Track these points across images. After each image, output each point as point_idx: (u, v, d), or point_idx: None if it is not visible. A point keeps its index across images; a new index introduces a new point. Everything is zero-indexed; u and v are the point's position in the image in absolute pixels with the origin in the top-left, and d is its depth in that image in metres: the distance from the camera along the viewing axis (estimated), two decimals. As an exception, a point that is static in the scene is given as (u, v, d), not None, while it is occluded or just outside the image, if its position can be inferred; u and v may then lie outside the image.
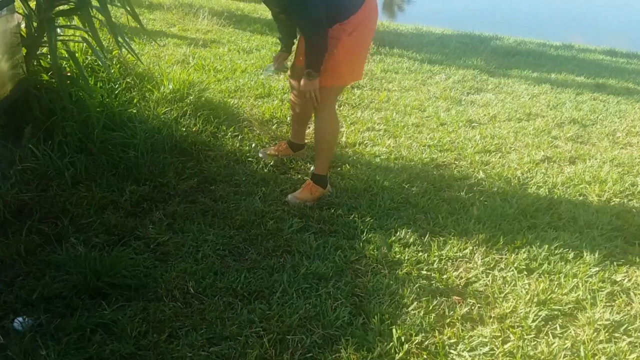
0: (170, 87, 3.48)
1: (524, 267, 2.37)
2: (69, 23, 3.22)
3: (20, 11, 2.73)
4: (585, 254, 2.51)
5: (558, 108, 4.59)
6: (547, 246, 2.51)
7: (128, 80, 3.43)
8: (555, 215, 2.83)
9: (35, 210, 2.33)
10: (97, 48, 2.91)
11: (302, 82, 2.62)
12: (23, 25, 2.84)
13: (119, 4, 2.86)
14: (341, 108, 4.15)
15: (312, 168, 2.98)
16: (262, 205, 2.64)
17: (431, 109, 4.34)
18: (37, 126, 2.70)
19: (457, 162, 3.40)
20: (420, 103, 4.46)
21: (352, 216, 2.65)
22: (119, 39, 2.80)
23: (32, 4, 2.80)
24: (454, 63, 5.85)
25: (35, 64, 2.86)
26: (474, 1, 16.12)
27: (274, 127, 3.59)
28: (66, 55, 2.91)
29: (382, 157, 3.35)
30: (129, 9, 2.80)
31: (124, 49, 2.99)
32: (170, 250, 2.23)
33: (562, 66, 6.27)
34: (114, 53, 3.66)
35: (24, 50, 2.73)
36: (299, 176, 3.03)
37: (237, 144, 3.24)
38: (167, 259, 2.18)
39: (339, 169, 3.14)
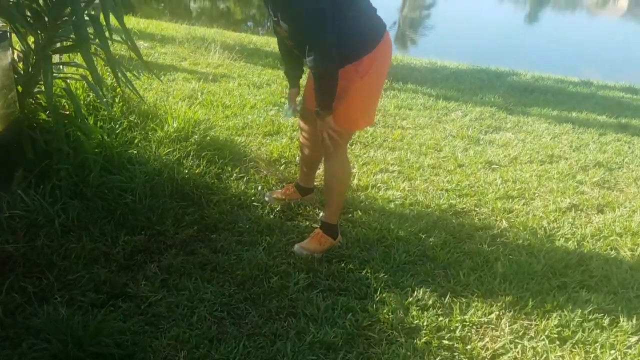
0: (175, 125, 3.32)
1: (556, 335, 2.13)
2: (70, 60, 3.09)
3: (17, 47, 2.59)
4: (621, 320, 2.26)
5: (581, 149, 4.37)
6: (579, 310, 2.27)
7: (131, 118, 3.27)
8: (587, 273, 2.59)
9: (20, 263, 2.13)
10: (98, 86, 2.76)
11: (318, 123, 2.46)
12: (21, 62, 2.71)
13: (120, 40, 2.72)
14: (353, 147, 3.97)
15: (321, 214, 2.78)
16: (266, 257, 2.43)
17: (448, 148, 4.14)
18: (30, 169, 2.53)
19: (477, 209, 3.18)
20: (436, 142, 4.26)
21: (365, 271, 2.43)
22: (120, 75, 2.65)
23: (31, 40, 2.67)
24: (470, 99, 5.67)
25: (32, 102, 2.71)
26: (484, 36, 16.11)
27: (281, 167, 3.40)
28: (65, 94, 2.76)
29: (396, 202, 3.13)
30: (130, 44, 2.66)
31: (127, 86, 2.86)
32: (162, 312, 2.02)
33: (583, 104, 6.06)
34: (117, 90, 3.52)
35: (19, 88, 2.59)
36: (307, 223, 2.83)
37: (242, 187, 3.05)
38: (159, 323, 1.97)
39: (350, 215, 2.93)
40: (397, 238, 2.73)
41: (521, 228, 2.96)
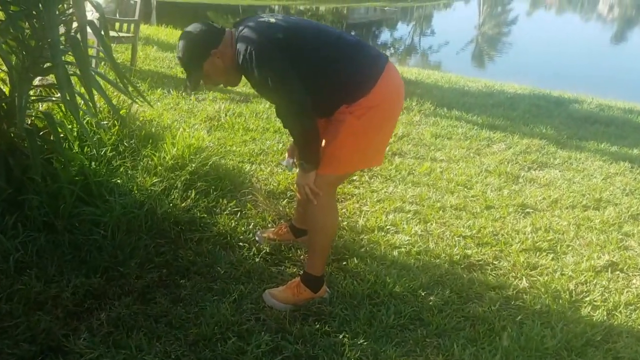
0: (174, 152, 3.13)
1: None
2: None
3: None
4: None
5: (635, 194, 3.80)
6: (596, 408, 1.84)
7: (125, 143, 3.12)
8: (611, 354, 2.13)
9: (-43, 305, 1.98)
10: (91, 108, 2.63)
11: (298, 175, 2.20)
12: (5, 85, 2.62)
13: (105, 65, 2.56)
14: (371, 180, 3.64)
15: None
16: (233, 311, 2.16)
17: (479, 186, 3.72)
18: (0, 197, 2.40)
19: (496, 263, 2.77)
20: (468, 178, 3.85)
21: (342, 335, 2.11)
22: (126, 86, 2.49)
23: (13, 61, 2.56)
24: (518, 130, 5.18)
25: (11, 128, 2.60)
26: (562, 57, 15.22)
27: (284, 202, 3.13)
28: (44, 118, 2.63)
29: (401, 249, 2.78)
30: (112, 63, 2.51)
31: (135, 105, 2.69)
32: (90, 375, 1.79)
33: (649, 139, 5.41)
34: (122, 112, 3.40)
35: (-4, 112, 2.48)
36: (294, 270, 2.54)
37: (233, 223, 2.80)
38: (82, 388, 1.74)
39: (344, 263, 2.62)
40: (390, 294, 2.38)
41: (542, 289, 2.53)
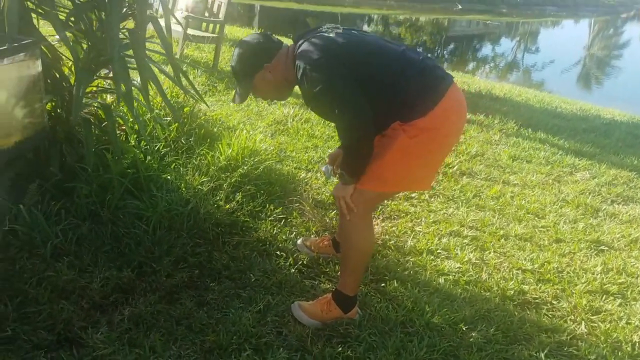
0: (229, 152, 3.12)
1: None
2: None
3: (49, 55, 2.57)
4: None
5: None
6: None
7: (183, 140, 3.15)
8: None
9: (-8, 283, 2.04)
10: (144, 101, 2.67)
11: (336, 185, 2.10)
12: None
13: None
14: (431, 199, 3.44)
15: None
16: (254, 321, 2.08)
17: (552, 216, 3.41)
18: (51, 183, 2.49)
19: (554, 302, 2.49)
20: (541, 207, 3.54)
21: (366, 363, 1.96)
22: (182, 82, 2.52)
23: (80, 52, 2.66)
24: (607, 159, 4.73)
25: (71, 117, 2.69)
26: None
27: (331, 214, 3.02)
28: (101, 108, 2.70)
29: (449, 276, 2.58)
30: (171, 60, 2.52)
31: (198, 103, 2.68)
32: (98, 371, 1.77)
33: None
34: (185, 110, 3.45)
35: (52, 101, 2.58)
36: (328, 286, 2.42)
37: (275, 230, 2.73)
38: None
39: (382, 284, 2.46)
40: (427, 325, 2.20)
41: (602, 338, 2.23)
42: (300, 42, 2.01)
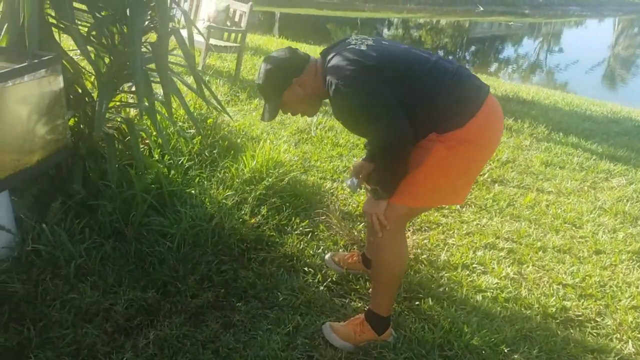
0: (253, 164, 3.04)
1: None
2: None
3: (71, 70, 2.52)
4: None
5: None
6: None
7: (207, 153, 3.08)
8: None
9: (11, 308, 1.97)
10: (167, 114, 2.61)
11: (366, 200, 1.99)
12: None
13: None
14: (463, 209, 3.31)
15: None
16: (283, 345, 1.98)
17: (590, 226, 3.25)
18: (74, 200, 2.43)
19: (598, 320, 2.35)
20: (578, 216, 3.39)
21: (401, 389, 1.85)
22: (206, 95, 2.45)
23: (102, 66, 2.61)
24: (644, 163, 4.55)
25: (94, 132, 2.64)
26: None
27: (359, 226, 2.91)
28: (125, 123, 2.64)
29: (487, 293, 2.45)
30: (195, 76, 2.46)
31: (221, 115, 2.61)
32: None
33: None
34: (208, 122, 3.38)
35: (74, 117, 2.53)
36: (360, 304, 2.31)
37: (302, 245, 2.64)
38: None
39: (416, 302, 2.34)
40: (466, 347, 2.08)
41: (656, 363, 2.09)
42: (330, 56, 1.92)
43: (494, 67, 15.87)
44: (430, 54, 1.96)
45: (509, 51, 19.68)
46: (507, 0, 24.20)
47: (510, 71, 15.46)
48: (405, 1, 23.68)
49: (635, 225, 3.32)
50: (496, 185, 3.80)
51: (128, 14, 2.36)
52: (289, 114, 2.07)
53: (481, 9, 23.56)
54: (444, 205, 3.24)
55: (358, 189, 2.34)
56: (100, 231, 2.39)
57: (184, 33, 2.58)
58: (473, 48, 19.34)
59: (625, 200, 3.69)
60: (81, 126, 2.61)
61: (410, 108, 1.83)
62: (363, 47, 1.89)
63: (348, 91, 1.79)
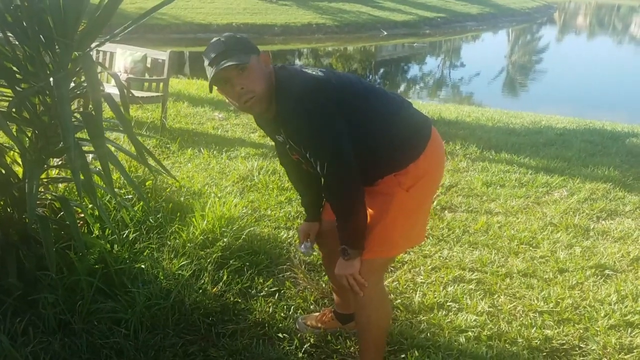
0: (204, 225, 2.84)
1: None
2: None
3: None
4: None
5: None
6: None
7: (151, 220, 2.84)
8: None
9: None
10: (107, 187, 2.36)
11: (338, 263, 1.86)
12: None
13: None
14: (423, 243, 3.25)
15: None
16: None
17: (546, 244, 3.29)
18: (10, 295, 2.13)
19: (583, 345, 2.33)
20: (532, 235, 3.43)
21: None
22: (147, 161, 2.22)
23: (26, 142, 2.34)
24: (578, 172, 4.72)
25: (24, 215, 2.35)
26: (598, 81, 14.75)
27: (326, 277, 2.77)
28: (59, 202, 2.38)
29: (469, 333, 2.38)
30: (130, 137, 2.24)
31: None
32: None
33: None
34: (147, 184, 3.15)
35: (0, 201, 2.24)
36: (345, 366, 2.16)
37: (271, 308, 2.46)
38: None
39: (402, 355, 2.22)
40: (463, 398, 1.98)
41: (649, 385, 2.08)
42: (284, 73, 1.74)
43: (403, 86, 16.35)
44: (381, 87, 1.91)
45: (414, 70, 20.45)
46: (409, 22, 25.32)
47: (418, 89, 16.01)
48: (312, 31, 24.12)
49: (588, 238, 3.40)
50: (446, 212, 3.80)
51: (52, 83, 2.13)
52: (236, 95, 1.71)
53: (385, 33, 24.42)
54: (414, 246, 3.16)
55: (311, 251, 2.22)
56: (46, 327, 2.11)
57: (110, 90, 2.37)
58: (381, 70, 19.92)
59: (571, 213, 3.78)
60: (9, 210, 2.31)
61: (367, 140, 1.75)
62: (321, 74, 1.76)
63: (310, 120, 1.67)
